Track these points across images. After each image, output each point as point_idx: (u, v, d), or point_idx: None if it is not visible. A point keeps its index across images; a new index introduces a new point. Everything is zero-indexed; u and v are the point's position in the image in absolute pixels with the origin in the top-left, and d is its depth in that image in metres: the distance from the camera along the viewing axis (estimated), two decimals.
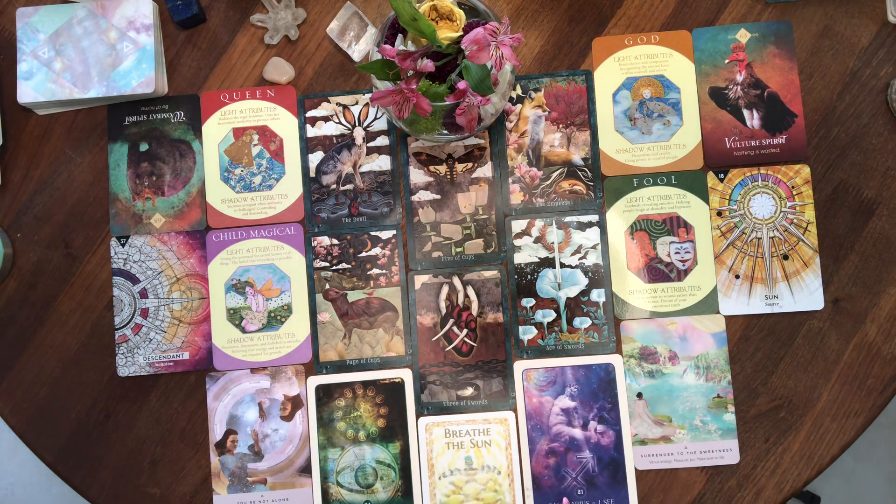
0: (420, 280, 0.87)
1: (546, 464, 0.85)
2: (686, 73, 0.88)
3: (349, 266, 0.88)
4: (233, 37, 0.91)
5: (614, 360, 0.85)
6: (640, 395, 0.85)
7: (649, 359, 0.85)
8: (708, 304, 0.86)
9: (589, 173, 0.88)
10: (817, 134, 0.87)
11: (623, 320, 0.86)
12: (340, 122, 0.89)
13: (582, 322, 0.86)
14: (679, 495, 0.85)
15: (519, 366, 0.86)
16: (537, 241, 0.87)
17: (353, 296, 0.87)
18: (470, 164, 0.88)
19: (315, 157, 0.89)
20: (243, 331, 0.87)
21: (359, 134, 0.89)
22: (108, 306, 0.88)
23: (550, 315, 0.86)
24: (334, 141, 0.89)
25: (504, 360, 0.86)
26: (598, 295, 0.86)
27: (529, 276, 0.87)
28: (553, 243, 0.87)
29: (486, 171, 0.88)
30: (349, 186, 0.89)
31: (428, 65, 0.68)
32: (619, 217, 0.87)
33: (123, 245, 0.89)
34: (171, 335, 0.87)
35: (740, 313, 0.86)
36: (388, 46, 0.69)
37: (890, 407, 1.46)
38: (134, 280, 0.88)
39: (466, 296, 0.87)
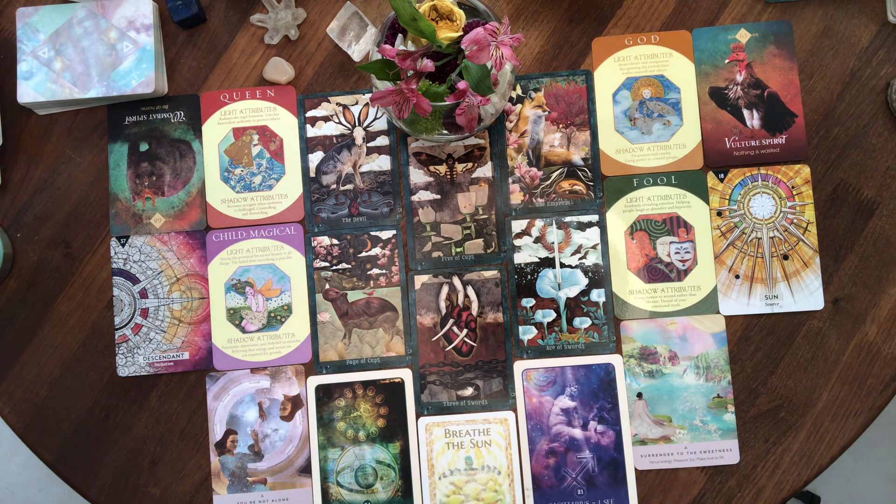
0: (420, 280, 0.87)
1: (546, 464, 0.85)
2: (686, 73, 0.88)
3: (349, 266, 0.88)
4: (233, 37, 0.91)
5: (614, 360, 0.85)
6: (640, 395, 0.85)
7: (649, 359, 0.85)
8: (708, 304, 0.86)
9: (589, 173, 0.88)
10: (817, 134, 0.88)
11: (623, 320, 0.86)
12: (340, 122, 0.89)
13: (582, 322, 0.86)
14: (679, 495, 0.85)
15: (519, 366, 0.86)
16: (537, 241, 0.87)
17: (353, 296, 0.87)
18: (470, 164, 0.88)
19: (315, 157, 0.89)
20: (243, 331, 0.87)
21: (359, 134, 0.89)
22: (108, 306, 0.88)
23: (550, 315, 0.86)
24: (334, 141, 0.89)
25: (504, 360, 0.86)
26: (598, 295, 0.86)
27: (529, 276, 0.87)
28: (553, 243, 0.87)
29: (486, 171, 0.88)
30: (349, 186, 0.89)
31: (428, 65, 0.68)
32: (619, 217, 0.87)
33: (123, 245, 0.89)
34: (171, 335, 0.87)
35: (740, 313, 0.86)
36: (388, 46, 0.69)
37: (890, 407, 1.46)
38: (134, 280, 0.88)
39: (466, 296, 0.87)
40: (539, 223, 0.87)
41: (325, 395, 0.86)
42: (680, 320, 0.85)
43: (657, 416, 0.85)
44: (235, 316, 0.88)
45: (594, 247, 0.87)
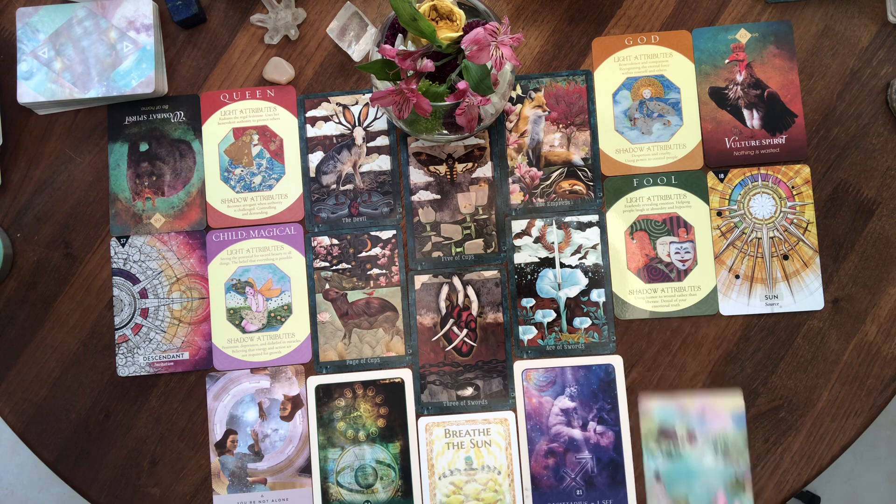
0: (420, 280, 0.87)
1: (545, 464, 0.85)
2: (686, 73, 0.88)
3: (349, 266, 0.88)
4: (233, 37, 0.91)
5: (614, 360, 0.85)
6: (657, 477, 0.83)
7: (667, 438, 0.83)
8: (708, 304, 0.86)
9: (589, 173, 0.88)
10: (817, 134, 0.87)
11: (623, 319, 0.86)
12: (340, 122, 0.89)
13: (582, 322, 0.86)
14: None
15: (519, 366, 0.86)
16: (537, 241, 0.87)
17: (353, 296, 0.87)
18: (470, 164, 0.88)
19: (315, 157, 0.89)
20: (243, 331, 0.87)
21: (359, 134, 0.89)
22: (108, 306, 0.88)
23: (550, 315, 0.86)
24: (334, 141, 0.89)
25: (504, 360, 0.86)
26: (598, 295, 0.86)
27: (529, 276, 0.87)
28: (553, 243, 0.87)
29: (486, 171, 0.88)
30: (349, 186, 0.89)
31: (428, 65, 0.68)
32: (619, 217, 0.87)
33: (123, 245, 0.89)
34: (171, 335, 0.87)
35: (740, 313, 0.86)
36: (388, 46, 0.69)
37: (890, 407, 1.46)
38: (134, 280, 0.88)
39: (466, 296, 0.87)
40: (539, 223, 0.87)
41: (325, 395, 0.86)
42: (698, 397, 0.84)
43: (674, 497, 0.83)
44: (235, 316, 0.88)
45: (594, 247, 0.87)
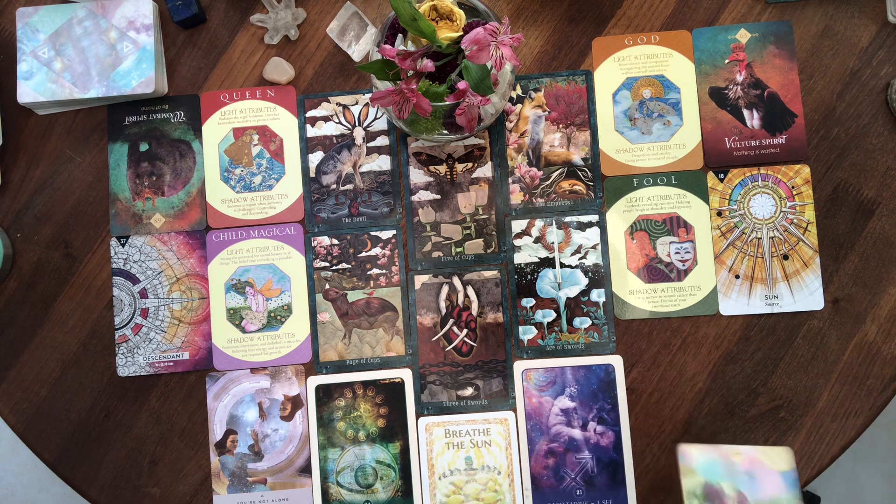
0: (420, 280, 0.87)
1: (545, 464, 0.85)
2: (686, 73, 0.88)
3: (349, 266, 0.88)
4: (233, 37, 0.91)
5: (614, 360, 0.85)
6: None
7: (715, 501, 0.76)
8: (708, 304, 0.86)
9: (589, 173, 0.88)
10: (817, 134, 0.87)
11: (623, 319, 0.86)
12: (340, 122, 0.89)
13: (582, 322, 0.86)
14: (680, 497, 0.84)
15: (519, 366, 0.86)
16: (537, 241, 0.87)
17: (353, 296, 0.87)
18: (470, 164, 0.88)
19: (315, 157, 0.89)
20: (243, 331, 0.87)
21: (359, 134, 0.89)
22: (108, 306, 0.88)
23: (550, 315, 0.86)
24: (334, 141, 0.89)
25: (504, 360, 0.86)
26: (598, 295, 0.86)
27: (529, 276, 0.87)
28: (553, 243, 0.87)
29: (486, 171, 0.88)
30: (349, 186, 0.89)
31: (428, 65, 0.68)
32: (619, 217, 0.87)
33: (123, 245, 0.89)
34: (171, 335, 0.87)
35: (740, 313, 0.86)
36: (388, 46, 0.69)
37: (890, 407, 1.46)
38: (134, 280, 0.88)
39: (466, 296, 0.87)
40: (539, 223, 0.87)
41: (325, 395, 0.86)
42: (745, 451, 0.77)
43: None
44: (235, 316, 0.88)
45: (594, 247, 0.87)
